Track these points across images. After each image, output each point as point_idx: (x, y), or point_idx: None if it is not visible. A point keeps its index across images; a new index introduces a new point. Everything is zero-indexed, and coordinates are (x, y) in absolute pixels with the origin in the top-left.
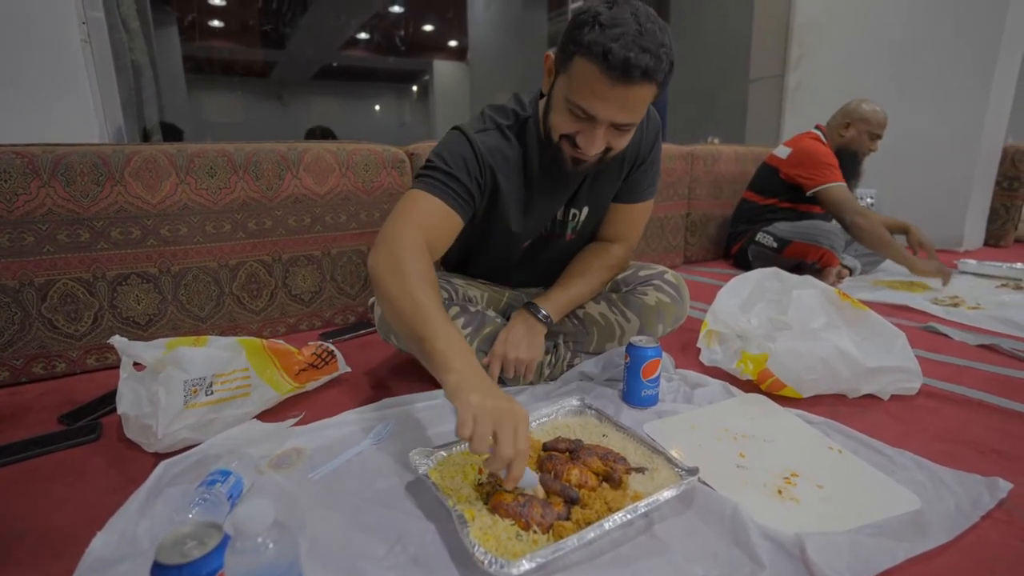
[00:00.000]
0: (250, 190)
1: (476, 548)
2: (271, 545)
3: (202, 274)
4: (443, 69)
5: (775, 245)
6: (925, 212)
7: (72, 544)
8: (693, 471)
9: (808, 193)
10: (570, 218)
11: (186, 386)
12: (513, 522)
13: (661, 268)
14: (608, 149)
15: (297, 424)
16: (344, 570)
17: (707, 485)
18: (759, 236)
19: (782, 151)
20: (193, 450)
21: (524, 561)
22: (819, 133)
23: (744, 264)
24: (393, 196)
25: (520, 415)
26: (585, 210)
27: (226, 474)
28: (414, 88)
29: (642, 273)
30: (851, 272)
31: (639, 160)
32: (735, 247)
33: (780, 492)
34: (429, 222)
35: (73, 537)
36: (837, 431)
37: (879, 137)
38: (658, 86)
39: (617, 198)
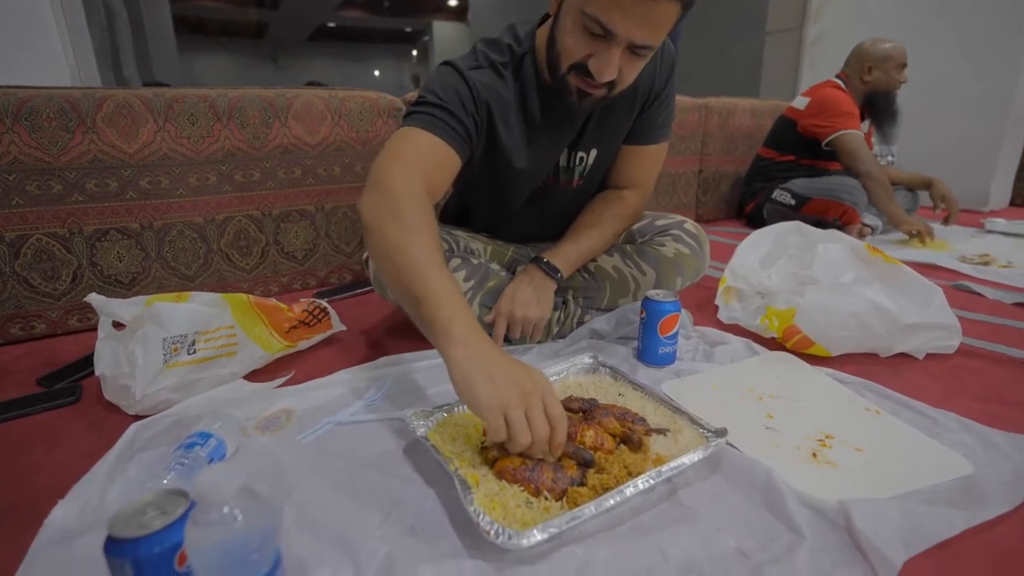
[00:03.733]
0: (235, 139)
1: (481, 517)
2: (239, 516)
3: (187, 230)
4: (443, 30)
5: (793, 202)
6: (950, 169)
7: (43, 513)
8: (721, 432)
9: (824, 143)
10: (576, 162)
11: (165, 344)
12: (522, 488)
13: (679, 217)
14: (613, 84)
15: (286, 384)
16: (333, 541)
17: (734, 447)
18: (776, 193)
19: (800, 102)
20: (169, 410)
21: (535, 531)
22: (839, 81)
23: (759, 223)
24: None
25: (543, 387)
26: (593, 153)
27: (206, 436)
28: (414, 52)
29: (659, 223)
30: (872, 230)
31: (653, 95)
32: (749, 206)
33: (815, 455)
34: (426, 161)
35: (45, 505)
36: (872, 391)
37: (905, 66)
38: (683, 7)
39: (629, 139)
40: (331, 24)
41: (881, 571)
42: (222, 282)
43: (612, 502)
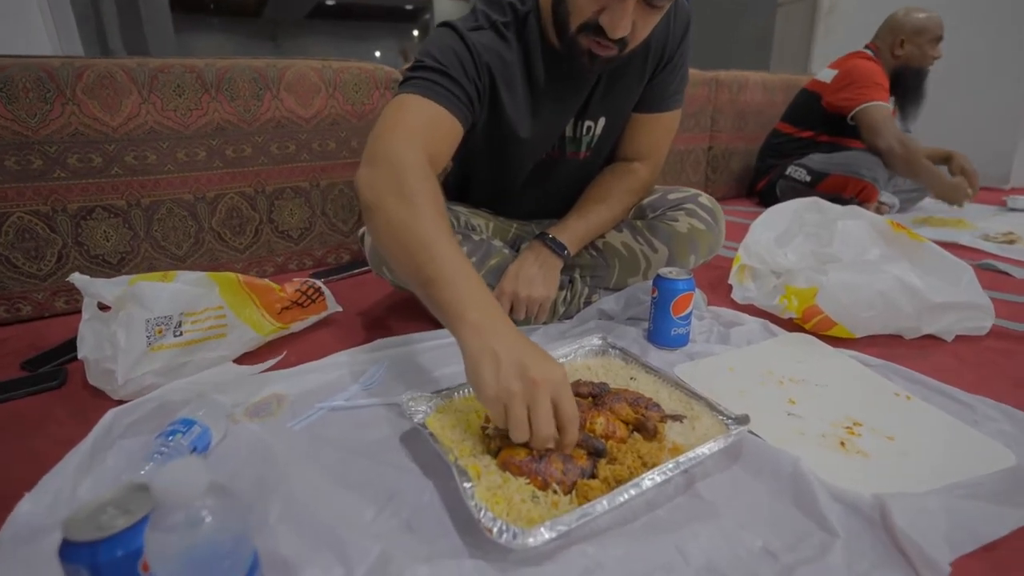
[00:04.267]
0: (225, 112)
1: (483, 513)
2: (208, 518)
3: (177, 208)
4: (444, 7)
5: (808, 179)
6: (971, 146)
7: (11, 506)
8: (743, 419)
9: (849, 116)
10: (583, 132)
11: (148, 325)
12: (528, 481)
13: (693, 191)
14: (625, 42)
15: (278, 367)
16: (320, 538)
17: (756, 436)
18: (790, 170)
19: (826, 75)
20: (150, 395)
21: (543, 529)
22: (870, 52)
23: (771, 202)
24: None
25: (555, 380)
26: (602, 121)
27: (189, 423)
28: (415, 32)
29: (671, 196)
30: (890, 208)
31: (666, 56)
32: (761, 183)
33: (843, 444)
34: (427, 131)
35: (14, 498)
36: (900, 375)
37: (941, 39)
38: None
39: (640, 106)
40: (330, 2)
41: (927, 574)
42: (215, 262)
43: (626, 496)
